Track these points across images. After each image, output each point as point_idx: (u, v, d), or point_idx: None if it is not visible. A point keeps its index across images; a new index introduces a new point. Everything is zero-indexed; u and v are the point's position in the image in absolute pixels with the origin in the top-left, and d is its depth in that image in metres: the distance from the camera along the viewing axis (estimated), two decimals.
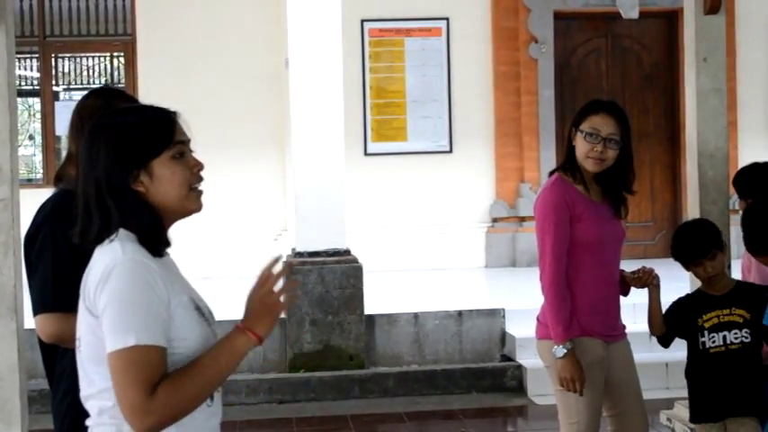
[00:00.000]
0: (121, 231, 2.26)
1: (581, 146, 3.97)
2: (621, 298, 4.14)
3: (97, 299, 2.20)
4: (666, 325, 4.29)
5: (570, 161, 4.04)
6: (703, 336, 4.21)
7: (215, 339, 2.32)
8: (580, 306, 3.95)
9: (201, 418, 2.28)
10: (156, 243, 2.30)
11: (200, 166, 2.36)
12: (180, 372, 2.20)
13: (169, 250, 2.38)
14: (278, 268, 2.31)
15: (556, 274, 3.91)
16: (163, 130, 2.32)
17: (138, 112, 2.39)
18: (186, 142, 2.35)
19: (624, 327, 4.15)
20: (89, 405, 2.31)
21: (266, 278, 2.29)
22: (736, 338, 4.16)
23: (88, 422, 2.32)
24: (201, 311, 2.33)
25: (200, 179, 2.36)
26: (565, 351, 3.88)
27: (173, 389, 2.16)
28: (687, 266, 4.33)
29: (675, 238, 4.38)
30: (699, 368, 4.26)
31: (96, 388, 2.26)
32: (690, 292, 4.47)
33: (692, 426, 4.72)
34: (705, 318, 4.21)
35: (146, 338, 2.15)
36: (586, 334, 3.95)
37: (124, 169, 2.27)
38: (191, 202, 2.34)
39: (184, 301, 2.28)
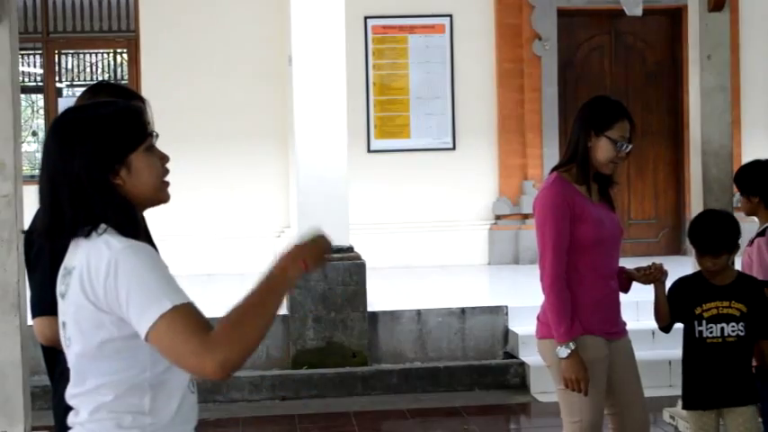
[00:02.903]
0: (104, 226, 2.24)
1: (607, 151, 3.95)
2: (622, 295, 4.13)
3: (109, 291, 2.16)
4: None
5: (580, 161, 4.00)
6: (701, 325, 4.26)
7: None
8: (581, 305, 3.94)
9: (186, 406, 2.26)
10: (135, 234, 2.27)
11: (166, 158, 2.36)
12: (233, 307, 2.15)
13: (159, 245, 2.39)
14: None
15: (556, 273, 3.90)
16: (138, 123, 2.31)
17: (108, 104, 2.36)
18: (154, 134, 2.35)
19: (625, 324, 4.14)
20: (79, 403, 2.26)
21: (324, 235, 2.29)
22: (733, 331, 4.24)
23: (73, 421, 2.27)
24: None
25: (167, 171, 2.36)
26: (569, 351, 3.87)
27: (230, 323, 2.11)
28: (697, 254, 4.36)
29: (695, 224, 4.41)
30: (694, 356, 4.31)
31: (89, 386, 2.23)
32: (691, 274, 4.49)
33: (686, 414, 4.71)
34: (705, 307, 4.26)
35: (179, 299, 2.13)
36: (588, 332, 3.94)
37: (105, 163, 2.24)
38: (164, 193, 2.34)
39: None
